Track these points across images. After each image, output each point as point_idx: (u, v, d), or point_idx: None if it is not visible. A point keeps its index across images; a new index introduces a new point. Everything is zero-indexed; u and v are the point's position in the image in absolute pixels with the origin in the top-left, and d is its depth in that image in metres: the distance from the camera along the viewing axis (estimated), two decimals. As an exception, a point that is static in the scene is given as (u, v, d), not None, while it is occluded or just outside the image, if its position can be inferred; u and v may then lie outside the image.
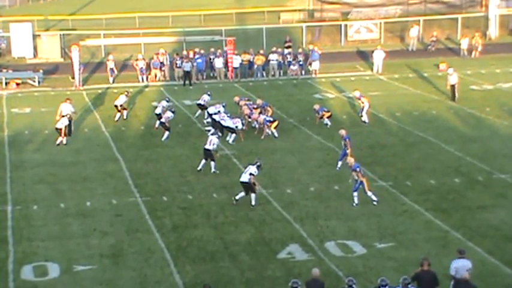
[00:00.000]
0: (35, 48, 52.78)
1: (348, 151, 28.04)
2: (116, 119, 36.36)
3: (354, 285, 17.02)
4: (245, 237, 22.59)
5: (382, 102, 39.02)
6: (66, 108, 34.01)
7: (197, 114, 36.76)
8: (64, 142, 32.38)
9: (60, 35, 54.10)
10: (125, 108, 36.91)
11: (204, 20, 66.56)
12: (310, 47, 48.65)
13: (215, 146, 28.42)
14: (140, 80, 45.38)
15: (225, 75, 46.08)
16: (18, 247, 22.13)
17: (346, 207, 24.84)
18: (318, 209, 24.69)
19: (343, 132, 28.80)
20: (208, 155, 28.35)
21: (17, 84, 44.73)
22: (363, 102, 35.30)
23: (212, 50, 46.68)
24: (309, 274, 18.10)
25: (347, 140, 28.44)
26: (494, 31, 58.64)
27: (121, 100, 36.74)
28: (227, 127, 32.48)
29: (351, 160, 25.53)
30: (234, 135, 32.31)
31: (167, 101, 35.77)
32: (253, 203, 24.85)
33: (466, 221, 23.45)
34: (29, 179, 28.20)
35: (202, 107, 36.32)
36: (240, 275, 20.24)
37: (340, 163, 28.36)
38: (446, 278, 17.99)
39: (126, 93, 37.54)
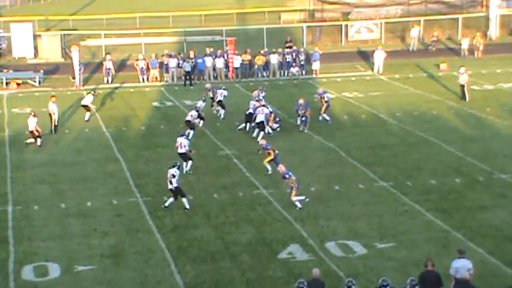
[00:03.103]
0: (35, 48, 52.79)
1: (269, 158, 27.49)
2: (86, 118, 36.35)
3: (353, 286, 17.01)
4: (246, 237, 22.59)
5: (382, 102, 39.03)
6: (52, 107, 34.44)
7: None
8: (38, 143, 32.23)
9: (61, 35, 54.12)
10: (88, 110, 36.69)
11: (205, 20, 66.58)
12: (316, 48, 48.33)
13: (187, 147, 28.31)
14: (141, 80, 45.37)
15: (226, 76, 46.08)
16: (19, 247, 22.13)
17: (347, 207, 24.85)
18: (318, 209, 24.69)
19: (263, 142, 28.65)
20: (184, 157, 28.23)
21: (18, 84, 44.73)
22: (326, 101, 35.10)
23: (210, 50, 46.56)
24: (310, 274, 18.10)
25: (268, 148, 27.81)
26: (494, 31, 58.65)
27: (88, 100, 36.74)
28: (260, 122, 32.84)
29: (282, 168, 25.22)
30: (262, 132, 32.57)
31: (203, 101, 35.34)
32: (187, 206, 24.69)
33: (466, 221, 23.45)
34: (30, 179, 28.20)
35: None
36: (241, 275, 20.24)
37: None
38: (446, 278, 17.96)
39: (93, 92, 37.57)
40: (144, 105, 39.79)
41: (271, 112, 33.56)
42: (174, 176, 24.72)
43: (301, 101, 34.25)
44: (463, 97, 38.95)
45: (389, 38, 58.00)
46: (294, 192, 24.77)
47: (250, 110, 33.85)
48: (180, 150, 28.30)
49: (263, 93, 35.96)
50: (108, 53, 48.05)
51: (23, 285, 19.93)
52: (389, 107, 38.01)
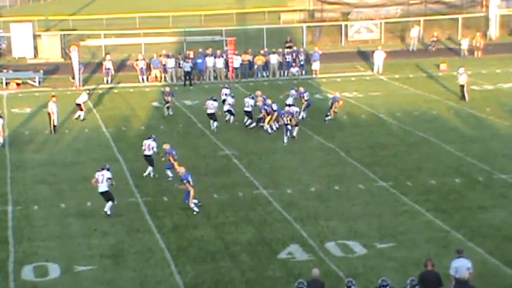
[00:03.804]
0: (35, 48, 52.81)
1: (175, 164, 26.85)
2: (75, 116, 36.47)
3: (353, 286, 17.01)
4: (246, 237, 22.59)
5: (382, 103, 39.04)
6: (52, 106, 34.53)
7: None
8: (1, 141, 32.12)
9: (61, 35, 54.13)
10: (81, 109, 36.67)
11: (205, 20, 66.58)
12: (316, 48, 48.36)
13: (155, 149, 27.94)
14: (140, 80, 45.39)
15: (226, 76, 46.09)
16: (19, 247, 22.13)
17: (347, 207, 24.85)
18: (318, 209, 24.69)
19: (166, 146, 27.81)
20: (149, 160, 27.82)
21: (18, 84, 44.73)
22: (306, 100, 35.39)
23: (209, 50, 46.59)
24: (310, 274, 18.09)
25: (172, 153, 27.43)
26: (494, 31, 58.67)
27: (82, 98, 36.75)
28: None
29: (181, 169, 24.86)
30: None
31: (252, 98, 35.20)
32: (108, 211, 24.26)
33: (466, 221, 23.44)
34: (30, 179, 28.20)
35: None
36: (241, 275, 20.24)
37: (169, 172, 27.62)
38: (446, 278, 17.95)
39: (88, 91, 37.60)
40: (144, 105, 39.79)
41: (274, 111, 33.57)
42: (109, 178, 24.44)
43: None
44: (463, 97, 38.97)
45: (389, 38, 58.03)
46: (191, 196, 24.15)
47: (246, 108, 34.53)
48: (146, 152, 27.97)
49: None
50: (108, 53, 48.06)
51: (22, 286, 19.92)
52: (389, 107, 38.02)
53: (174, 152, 27.55)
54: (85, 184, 27.52)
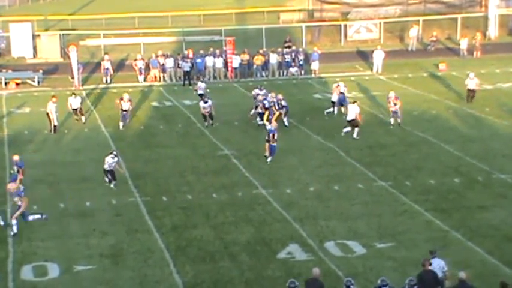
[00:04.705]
0: (34, 48, 52.79)
1: (20, 177, 25.82)
2: (83, 121, 36.01)
3: (352, 286, 17.01)
4: (245, 237, 22.59)
5: (381, 102, 39.01)
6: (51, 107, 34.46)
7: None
8: None
9: (60, 35, 54.11)
10: (82, 113, 36.27)
11: (204, 20, 66.57)
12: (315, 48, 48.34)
13: (113, 163, 26.83)
14: (140, 80, 45.38)
15: (225, 75, 46.10)
16: (18, 247, 22.12)
17: (346, 207, 24.84)
18: (317, 209, 24.69)
19: (16, 158, 27.04)
20: (111, 174, 27.09)
21: (17, 84, 44.73)
22: (283, 106, 34.56)
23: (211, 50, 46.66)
24: (309, 274, 18.10)
25: (21, 167, 26.71)
26: (493, 31, 58.67)
27: (77, 102, 35.94)
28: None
29: (13, 186, 24.19)
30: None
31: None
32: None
33: (466, 221, 23.44)
34: (29, 179, 28.11)
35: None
36: (240, 275, 20.23)
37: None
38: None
39: (74, 94, 36.54)
40: (143, 105, 39.78)
41: (283, 107, 34.17)
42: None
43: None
44: (470, 100, 38.48)
45: (388, 37, 58.02)
46: (18, 213, 23.18)
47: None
48: (105, 167, 26.87)
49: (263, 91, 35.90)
50: (106, 53, 48.04)
51: (22, 285, 19.92)
52: (388, 107, 37.94)
53: (21, 166, 26.69)
54: (84, 184, 27.56)
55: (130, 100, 35.51)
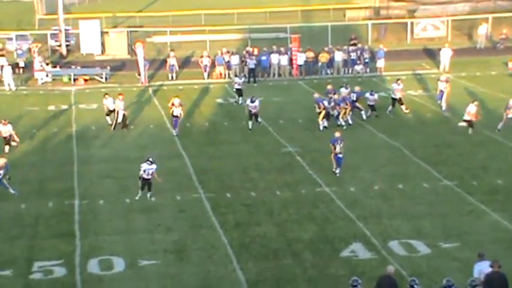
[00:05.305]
0: (102, 45, 53.56)
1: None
2: (113, 127, 34.74)
3: (416, 286, 16.86)
4: (308, 235, 22.57)
5: (448, 101, 38.46)
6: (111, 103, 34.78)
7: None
8: (6, 151, 30.69)
9: (128, 32, 54.79)
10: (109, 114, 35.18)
11: (269, 18, 66.63)
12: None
13: (151, 170, 25.53)
14: (205, 77, 45.67)
15: (290, 73, 46.09)
16: (85, 241, 22.50)
17: (411, 206, 24.63)
18: (381, 208, 24.53)
19: (1, 162, 26.14)
20: (148, 184, 25.80)
21: (85, 80, 45.45)
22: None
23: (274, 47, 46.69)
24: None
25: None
26: None
27: (111, 103, 35.13)
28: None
29: None
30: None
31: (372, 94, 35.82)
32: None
33: (533, 222, 23.04)
34: (96, 174, 28.63)
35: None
36: (303, 273, 20.22)
37: None
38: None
39: (106, 95, 35.84)
40: (207, 102, 40.03)
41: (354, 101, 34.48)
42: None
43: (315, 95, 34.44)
44: None
45: (456, 35, 57.15)
46: None
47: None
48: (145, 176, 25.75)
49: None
50: (172, 50, 48.45)
51: (88, 278, 20.27)
52: (454, 106, 37.46)
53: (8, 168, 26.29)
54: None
55: (181, 105, 33.76)
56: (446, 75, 36.57)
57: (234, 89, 39.57)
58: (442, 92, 37.13)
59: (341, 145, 27.51)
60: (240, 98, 38.68)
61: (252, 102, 33.98)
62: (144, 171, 25.51)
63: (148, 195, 25.66)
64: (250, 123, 33.99)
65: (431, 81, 43.63)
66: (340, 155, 27.42)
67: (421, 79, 44.54)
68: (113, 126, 34.64)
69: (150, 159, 25.67)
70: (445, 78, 37.06)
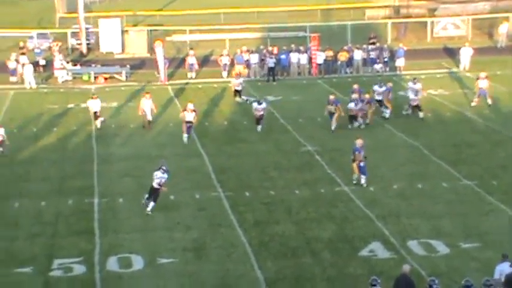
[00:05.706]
0: (122, 43, 53.74)
1: None
2: (98, 127, 34.59)
3: (435, 285, 16.81)
4: (327, 234, 22.56)
5: (468, 100, 38.33)
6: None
7: None
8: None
9: (148, 30, 54.95)
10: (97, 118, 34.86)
11: (289, 16, 66.54)
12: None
13: (163, 179, 24.62)
14: (224, 76, 45.70)
15: (309, 72, 46.05)
16: (104, 239, 22.60)
17: (430, 205, 24.55)
18: (400, 207, 24.48)
19: None
20: (155, 194, 24.94)
21: (105, 78, 45.65)
22: (339, 109, 33.84)
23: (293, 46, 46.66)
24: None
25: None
26: None
27: (97, 105, 34.86)
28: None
29: None
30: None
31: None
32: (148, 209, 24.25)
33: (554, 222, 22.90)
34: (115, 172, 28.74)
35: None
36: (322, 271, 20.22)
37: None
38: None
39: (94, 95, 35.79)
40: (227, 101, 40.07)
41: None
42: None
43: (331, 97, 34.04)
44: None
45: (477, 34, 56.85)
46: None
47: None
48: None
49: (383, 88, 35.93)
50: (192, 49, 48.53)
51: (107, 276, 20.36)
52: (475, 105, 37.29)
53: None
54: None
55: (194, 110, 32.59)
56: (484, 73, 36.64)
57: (234, 91, 39.64)
58: (481, 89, 36.83)
59: (362, 153, 26.67)
60: (240, 99, 39.11)
61: (259, 104, 33.78)
62: (157, 180, 24.37)
63: (149, 208, 24.30)
64: (259, 127, 33.65)
65: (451, 80, 43.48)
66: (362, 164, 26.58)
67: (441, 78, 44.35)
68: (147, 126, 34.43)
69: (164, 167, 24.65)
70: (484, 75, 36.88)
